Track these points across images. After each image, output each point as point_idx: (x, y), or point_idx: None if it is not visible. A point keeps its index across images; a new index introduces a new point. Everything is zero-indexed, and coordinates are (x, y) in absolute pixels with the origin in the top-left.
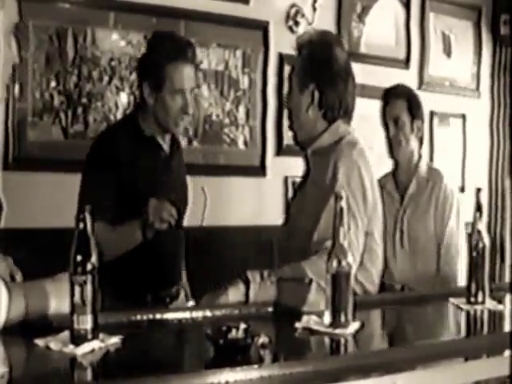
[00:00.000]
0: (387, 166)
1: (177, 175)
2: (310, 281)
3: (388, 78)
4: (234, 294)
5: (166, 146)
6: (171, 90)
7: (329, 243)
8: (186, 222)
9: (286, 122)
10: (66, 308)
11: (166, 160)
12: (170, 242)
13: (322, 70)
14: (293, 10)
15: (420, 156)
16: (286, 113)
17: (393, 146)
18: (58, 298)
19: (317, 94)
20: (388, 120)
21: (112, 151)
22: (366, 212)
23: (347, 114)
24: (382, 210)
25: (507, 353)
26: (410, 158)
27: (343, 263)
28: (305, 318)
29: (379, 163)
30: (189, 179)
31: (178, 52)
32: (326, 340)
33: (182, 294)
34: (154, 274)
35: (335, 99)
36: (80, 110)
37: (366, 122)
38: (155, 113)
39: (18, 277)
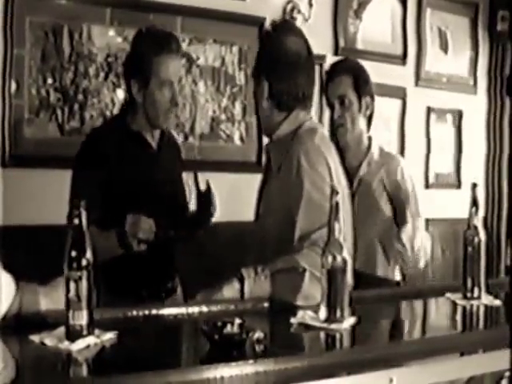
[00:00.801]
0: None
1: (167, 172)
2: (304, 270)
3: (385, 74)
4: (229, 291)
5: (154, 143)
6: (159, 84)
7: (316, 235)
8: None
9: None
10: (56, 305)
11: (154, 157)
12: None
13: (270, 60)
14: (289, 6)
15: (370, 138)
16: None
17: (338, 129)
18: (48, 295)
19: (266, 85)
20: (333, 99)
21: (100, 150)
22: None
23: (304, 101)
24: (349, 200)
25: (503, 348)
26: (359, 141)
27: (338, 258)
28: (300, 313)
29: None
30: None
31: (162, 45)
32: (322, 335)
33: (179, 289)
34: (149, 269)
35: (285, 88)
36: (76, 106)
37: None
38: (145, 109)
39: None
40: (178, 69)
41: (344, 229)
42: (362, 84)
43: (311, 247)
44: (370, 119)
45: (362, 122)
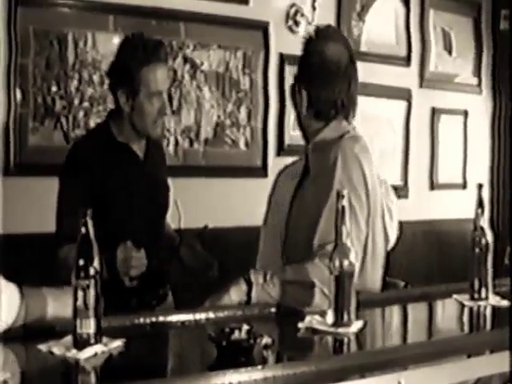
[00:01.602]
0: (391, 162)
1: (153, 181)
2: (313, 285)
3: (389, 76)
4: (237, 293)
5: (140, 153)
6: (148, 94)
7: (330, 246)
8: (188, 224)
9: (287, 123)
10: (64, 313)
11: (140, 166)
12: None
13: (310, 69)
14: (292, 10)
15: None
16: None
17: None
18: (55, 304)
19: (305, 94)
20: None
21: (84, 161)
22: (369, 211)
23: (345, 110)
24: (380, 208)
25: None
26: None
27: (346, 263)
28: (307, 317)
29: (380, 160)
30: (190, 181)
31: (151, 54)
32: (329, 339)
33: (170, 297)
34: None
35: (324, 97)
36: (81, 114)
37: (367, 119)
38: (131, 119)
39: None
40: (167, 77)
41: (372, 237)
42: None
43: (323, 257)
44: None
45: None
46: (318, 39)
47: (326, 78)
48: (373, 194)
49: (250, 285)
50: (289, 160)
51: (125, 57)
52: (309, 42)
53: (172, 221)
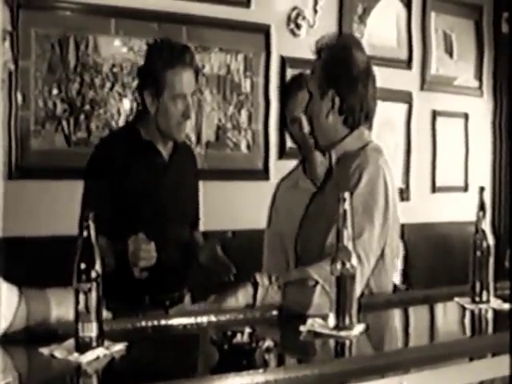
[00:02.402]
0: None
1: (178, 183)
2: (315, 284)
3: (390, 78)
4: (244, 296)
5: (165, 153)
6: (172, 96)
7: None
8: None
9: None
10: (67, 316)
11: (164, 167)
12: (174, 246)
13: (342, 74)
14: (294, 13)
15: None
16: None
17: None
18: (59, 306)
19: (337, 100)
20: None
21: (110, 159)
22: (386, 222)
23: (368, 119)
24: (399, 222)
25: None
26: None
27: (347, 265)
28: (309, 321)
29: None
30: None
31: (176, 57)
32: (331, 343)
33: (187, 299)
34: (153, 276)
35: (356, 104)
36: (83, 117)
37: None
38: (157, 120)
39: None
40: (192, 81)
41: (389, 245)
42: None
43: (328, 259)
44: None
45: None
46: (344, 46)
47: (358, 84)
48: (392, 205)
49: (255, 288)
50: (290, 163)
51: (151, 59)
52: (335, 48)
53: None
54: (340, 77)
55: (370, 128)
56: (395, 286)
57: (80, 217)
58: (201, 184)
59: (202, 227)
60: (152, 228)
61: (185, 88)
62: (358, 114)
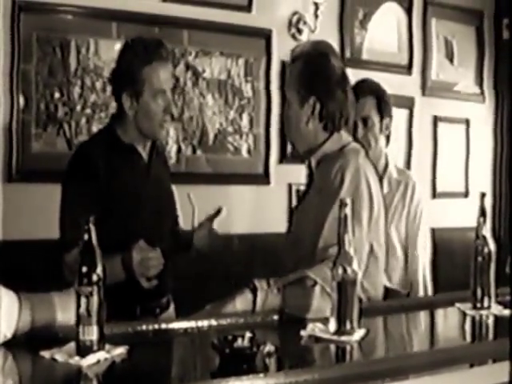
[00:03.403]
0: None
1: (157, 183)
2: (314, 284)
3: (391, 84)
4: (242, 302)
5: (144, 155)
6: (152, 93)
7: (333, 250)
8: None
9: None
10: (72, 321)
11: (145, 168)
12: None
13: (321, 81)
14: (295, 18)
15: (387, 155)
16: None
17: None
18: (64, 311)
19: (318, 107)
20: (356, 119)
21: (89, 163)
22: (372, 219)
23: (348, 124)
24: (383, 217)
25: None
26: (379, 159)
27: (349, 270)
28: (310, 325)
29: None
30: (194, 188)
31: (152, 53)
32: (332, 347)
33: (172, 305)
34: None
35: (336, 110)
36: (84, 120)
37: None
38: (137, 121)
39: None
40: (170, 76)
41: (377, 245)
42: (384, 106)
43: (326, 261)
44: (388, 138)
45: (382, 142)
46: (321, 53)
47: (337, 90)
48: (376, 201)
49: (255, 293)
50: (291, 167)
51: (126, 59)
52: (311, 56)
53: (185, 216)
54: (319, 84)
55: (348, 130)
56: (387, 289)
57: (61, 222)
58: (201, 188)
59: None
60: (139, 231)
61: (164, 83)
62: (338, 120)
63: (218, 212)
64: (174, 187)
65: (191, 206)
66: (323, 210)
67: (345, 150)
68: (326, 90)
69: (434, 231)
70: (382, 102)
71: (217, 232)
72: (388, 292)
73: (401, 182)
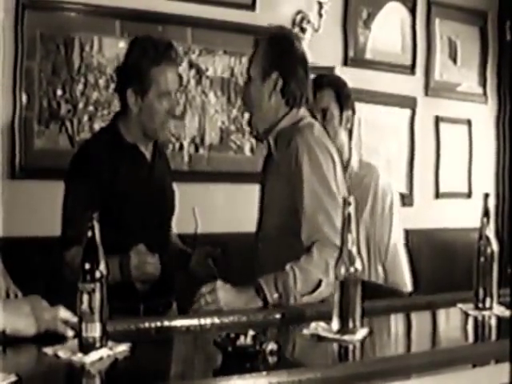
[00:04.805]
0: (396, 170)
1: (160, 183)
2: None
3: (394, 84)
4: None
5: (148, 154)
6: (158, 94)
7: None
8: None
9: None
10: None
11: (148, 168)
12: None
13: (285, 58)
14: (299, 17)
15: (350, 150)
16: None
17: None
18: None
19: (280, 81)
20: (315, 112)
21: (92, 162)
22: (335, 198)
23: (308, 103)
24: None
25: None
26: (340, 153)
27: (351, 269)
28: (313, 324)
29: (387, 168)
30: (196, 186)
31: (161, 54)
32: (335, 346)
33: (175, 304)
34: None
35: (297, 87)
36: (86, 118)
37: (372, 127)
38: (140, 120)
39: (11, 289)
40: (177, 78)
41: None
42: (344, 98)
43: (320, 246)
44: (350, 132)
45: (343, 135)
46: (285, 35)
47: (301, 69)
48: (339, 176)
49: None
50: None
51: (135, 56)
52: (275, 36)
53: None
54: (283, 60)
55: (305, 106)
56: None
57: (63, 220)
58: (204, 186)
59: (204, 230)
60: (139, 231)
61: (170, 85)
62: (298, 98)
63: (217, 252)
64: (176, 186)
65: (195, 220)
66: (293, 190)
67: (299, 125)
68: (289, 66)
69: (436, 231)
70: (342, 95)
71: (210, 264)
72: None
73: (364, 176)
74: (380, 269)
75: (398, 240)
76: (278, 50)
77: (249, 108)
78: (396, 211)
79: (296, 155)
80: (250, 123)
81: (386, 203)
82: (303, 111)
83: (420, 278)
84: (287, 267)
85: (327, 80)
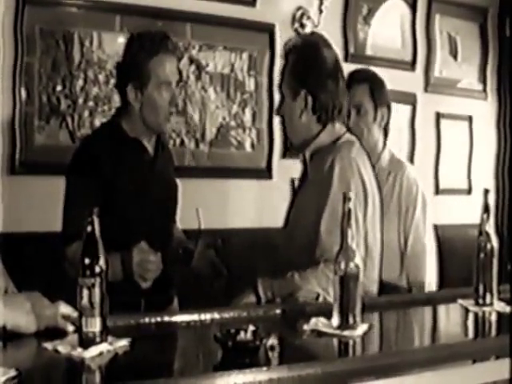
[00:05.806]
0: None
1: (162, 177)
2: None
3: (394, 80)
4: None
5: (150, 148)
6: (157, 85)
7: (330, 255)
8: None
9: None
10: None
11: (150, 162)
12: (163, 244)
13: (311, 73)
14: (299, 13)
15: (384, 146)
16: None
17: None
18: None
19: (310, 99)
20: (349, 108)
21: (94, 157)
22: (367, 214)
23: (341, 114)
24: (379, 209)
25: None
26: (373, 150)
27: (351, 265)
28: (313, 320)
29: None
30: (197, 182)
31: (158, 45)
32: (335, 342)
33: (176, 299)
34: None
35: (328, 101)
36: (86, 113)
37: None
38: (142, 115)
39: (10, 288)
40: (175, 69)
41: (372, 237)
42: (379, 94)
43: (327, 263)
44: (386, 129)
45: (376, 132)
46: (311, 45)
47: (329, 82)
48: (371, 195)
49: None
50: (294, 162)
51: (132, 51)
52: (302, 48)
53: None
54: (310, 76)
55: (342, 121)
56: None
57: (64, 215)
58: (204, 182)
59: (203, 225)
60: (141, 226)
61: (169, 75)
62: (330, 111)
63: (218, 242)
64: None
65: (198, 221)
66: (318, 207)
67: (338, 143)
68: (316, 82)
69: (436, 228)
70: (376, 90)
71: (216, 260)
72: (384, 287)
73: (390, 173)
74: (398, 266)
75: (422, 237)
76: (304, 65)
77: (283, 122)
78: (420, 208)
79: (329, 173)
80: (284, 134)
81: (411, 200)
82: (340, 127)
83: None
84: (288, 275)
85: (363, 75)
